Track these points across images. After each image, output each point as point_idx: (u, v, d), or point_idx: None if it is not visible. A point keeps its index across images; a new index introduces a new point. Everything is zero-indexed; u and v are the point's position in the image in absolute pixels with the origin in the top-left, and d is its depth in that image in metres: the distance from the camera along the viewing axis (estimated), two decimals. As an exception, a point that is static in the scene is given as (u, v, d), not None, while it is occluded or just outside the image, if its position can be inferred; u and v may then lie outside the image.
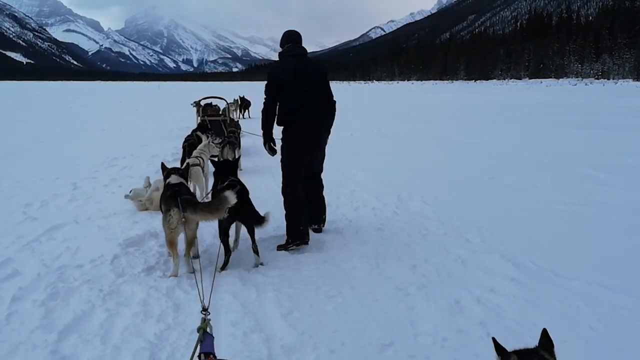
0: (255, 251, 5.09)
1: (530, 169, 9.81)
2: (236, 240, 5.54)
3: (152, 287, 4.48)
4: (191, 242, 4.88)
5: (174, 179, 5.27)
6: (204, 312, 2.75)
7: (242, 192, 5.10)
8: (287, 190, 5.87)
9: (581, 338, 3.52)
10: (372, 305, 4.12)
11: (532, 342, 3.45)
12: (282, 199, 5.90)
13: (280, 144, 5.91)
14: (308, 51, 6.11)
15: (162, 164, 5.68)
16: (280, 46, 6.02)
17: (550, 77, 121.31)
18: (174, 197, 4.77)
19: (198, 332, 2.47)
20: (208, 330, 2.51)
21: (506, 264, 4.88)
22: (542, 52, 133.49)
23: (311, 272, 4.80)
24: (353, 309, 4.07)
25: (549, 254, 5.15)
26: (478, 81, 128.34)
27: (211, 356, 2.27)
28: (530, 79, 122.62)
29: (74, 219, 6.65)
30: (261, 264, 5.08)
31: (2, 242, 5.64)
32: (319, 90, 5.89)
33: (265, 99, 5.76)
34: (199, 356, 2.28)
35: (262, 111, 5.84)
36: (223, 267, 4.86)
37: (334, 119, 6.10)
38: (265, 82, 5.77)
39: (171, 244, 4.77)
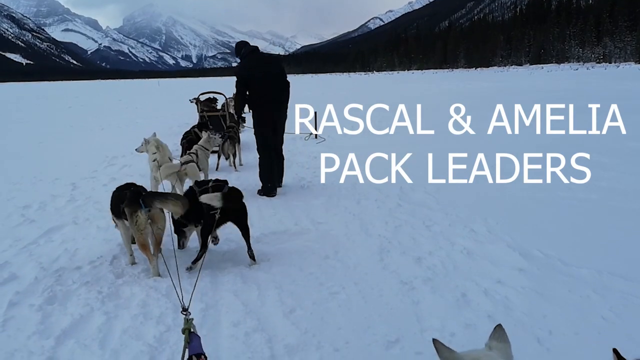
0: (252, 257, 4.91)
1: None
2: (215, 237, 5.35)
3: (152, 288, 4.39)
4: (159, 241, 4.69)
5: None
6: (185, 313, 2.67)
7: (235, 194, 4.94)
8: (262, 156, 7.61)
9: (593, 329, 3.42)
10: (376, 301, 4.02)
11: (542, 334, 3.38)
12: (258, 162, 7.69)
13: (252, 123, 7.65)
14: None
15: None
16: (237, 54, 7.61)
17: (552, 62, 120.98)
18: (136, 197, 4.52)
19: (183, 333, 2.40)
20: (192, 330, 2.44)
21: (513, 254, 4.78)
22: (543, 38, 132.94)
23: (313, 269, 4.69)
24: (357, 305, 3.97)
25: (557, 243, 5.04)
26: (479, 69, 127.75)
27: (202, 357, 2.20)
28: (531, 64, 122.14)
29: (73, 220, 6.56)
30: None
31: (-1, 246, 5.56)
32: (277, 77, 7.49)
33: (237, 91, 7.50)
34: (190, 358, 2.21)
35: (234, 100, 7.85)
36: (194, 262, 4.68)
37: (289, 96, 7.70)
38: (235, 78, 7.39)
39: (144, 246, 4.55)
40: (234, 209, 4.83)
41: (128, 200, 4.57)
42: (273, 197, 7.46)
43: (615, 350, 1.68)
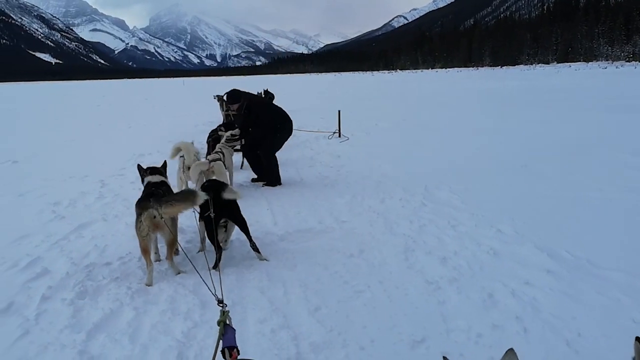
0: (255, 249, 4.97)
1: (565, 156, 9.53)
2: (226, 240, 5.32)
3: (179, 284, 4.46)
4: (172, 244, 4.69)
5: (155, 178, 5.20)
6: (221, 305, 2.70)
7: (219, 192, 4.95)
8: (273, 160, 8.25)
9: (624, 332, 3.35)
10: (401, 300, 4.01)
11: (571, 336, 3.33)
12: (270, 168, 8.32)
13: (274, 135, 8.27)
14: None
15: (139, 166, 5.57)
16: (236, 99, 8.40)
17: (580, 61, 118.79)
18: (148, 199, 4.57)
19: (218, 325, 2.42)
20: (228, 322, 2.47)
21: (541, 255, 4.72)
22: (570, 36, 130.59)
23: (338, 267, 4.70)
24: (382, 304, 3.97)
25: (586, 244, 4.95)
26: (504, 67, 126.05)
27: (235, 350, 2.22)
28: (558, 63, 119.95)
29: (102, 217, 6.68)
30: (265, 259, 4.96)
31: (32, 241, 5.70)
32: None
33: (249, 122, 8.22)
34: (222, 351, 2.24)
35: (247, 129, 8.37)
36: (215, 266, 4.66)
37: None
38: (248, 112, 8.12)
39: (145, 251, 4.56)
40: (226, 206, 4.88)
41: (142, 199, 4.66)
42: (296, 196, 7.53)
43: (638, 339, 1.64)
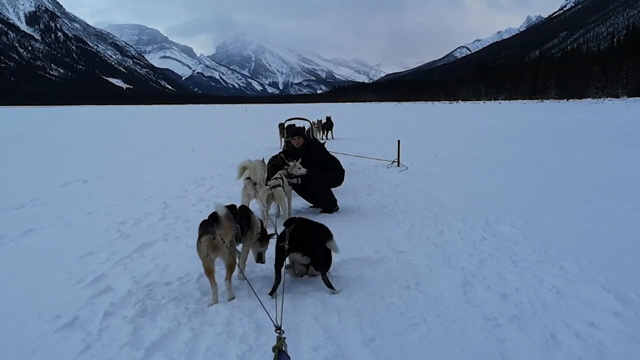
0: (328, 284, 4.89)
1: (631, 193, 9.11)
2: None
3: (236, 307, 4.51)
4: (231, 266, 4.72)
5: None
6: (278, 332, 2.74)
7: (302, 228, 5.04)
8: (324, 190, 8.43)
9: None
10: (459, 336, 3.90)
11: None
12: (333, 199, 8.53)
13: (324, 172, 8.57)
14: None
15: None
16: (301, 134, 8.84)
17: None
18: (208, 222, 4.66)
19: (273, 351, 2.42)
20: (283, 349, 2.48)
21: (608, 296, 4.49)
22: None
23: (394, 298, 4.63)
24: (438, 338, 3.87)
25: (658, 287, 4.68)
26: (570, 100, 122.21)
27: None
28: (629, 97, 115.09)
29: (164, 237, 6.88)
30: (338, 293, 4.90)
31: (97, 258, 5.94)
32: None
33: (305, 159, 8.49)
34: None
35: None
36: (272, 292, 4.72)
37: None
38: (307, 150, 8.65)
39: (208, 271, 4.63)
40: (300, 240, 4.90)
41: (203, 222, 4.77)
42: (353, 224, 7.52)
43: None
